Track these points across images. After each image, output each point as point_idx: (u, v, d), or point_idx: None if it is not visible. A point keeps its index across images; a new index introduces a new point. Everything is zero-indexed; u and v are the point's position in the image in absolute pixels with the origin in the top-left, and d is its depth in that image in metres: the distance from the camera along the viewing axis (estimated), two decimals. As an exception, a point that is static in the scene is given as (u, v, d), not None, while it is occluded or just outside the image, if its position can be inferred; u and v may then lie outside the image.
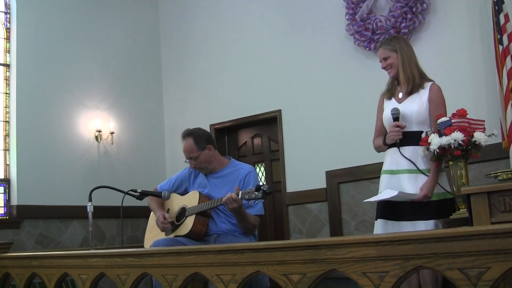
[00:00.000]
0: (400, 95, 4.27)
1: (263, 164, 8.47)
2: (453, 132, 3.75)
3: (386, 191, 4.07)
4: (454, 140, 3.72)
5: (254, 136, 8.63)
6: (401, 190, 4.01)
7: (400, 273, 2.26)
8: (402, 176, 4.11)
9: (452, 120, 3.86)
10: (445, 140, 3.74)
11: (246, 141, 8.69)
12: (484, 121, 3.97)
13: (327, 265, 2.46)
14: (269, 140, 8.42)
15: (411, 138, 4.11)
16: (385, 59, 4.28)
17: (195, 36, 9.04)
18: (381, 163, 4.40)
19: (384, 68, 4.32)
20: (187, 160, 4.66)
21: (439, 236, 2.17)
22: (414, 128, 4.13)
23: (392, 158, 4.20)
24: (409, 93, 4.20)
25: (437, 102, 4.14)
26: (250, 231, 4.49)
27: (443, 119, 3.92)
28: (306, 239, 2.62)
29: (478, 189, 3.36)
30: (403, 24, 6.67)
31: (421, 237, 2.22)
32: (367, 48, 7.05)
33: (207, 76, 8.84)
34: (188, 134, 4.63)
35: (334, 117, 7.39)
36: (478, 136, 3.77)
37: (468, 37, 6.46)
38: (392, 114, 4.16)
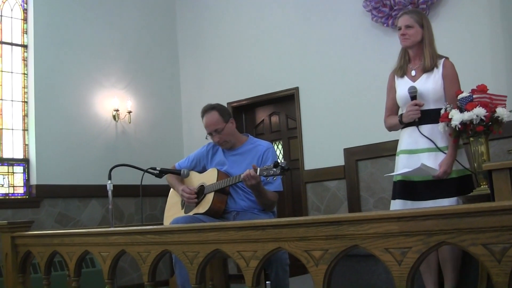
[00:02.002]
0: (413, 72, 4.22)
1: (281, 142, 8.46)
2: (475, 107, 3.72)
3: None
4: (477, 116, 3.69)
5: (271, 114, 8.61)
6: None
7: (423, 249, 2.25)
8: (422, 155, 4.06)
9: (474, 96, 3.82)
10: (467, 115, 3.71)
11: (263, 119, 8.68)
12: (506, 96, 3.93)
13: (349, 241, 2.45)
14: (286, 117, 8.40)
15: (428, 116, 4.06)
16: (408, 26, 4.18)
17: (211, 14, 9.01)
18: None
19: (402, 35, 4.24)
20: (209, 136, 4.64)
21: (463, 211, 2.15)
22: (431, 106, 4.08)
23: (410, 137, 4.15)
24: (425, 69, 4.15)
25: (451, 79, 4.09)
26: (269, 208, 4.49)
27: (464, 94, 3.88)
28: (328, 215, 2.60)
29: (500, 165, 3.33)
30: (421, 0, 6.59)
31: (444, 212, 2.20)
32: (385, 25, 6.99)
33: (223, 54, 8.82)
34: (212, 107, 4.64)
35: (352, 94, 7.35)
36: (501, 112, 3.73)
37: (488, 12, 6.37)
38: (409, 93, 4.11)
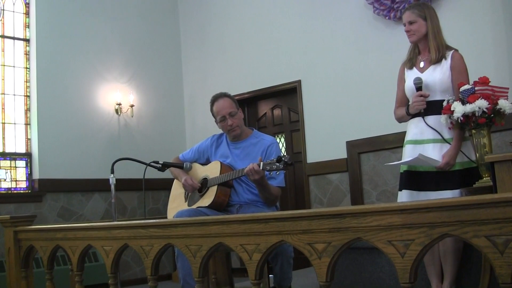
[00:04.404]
0: (422, 64, 4.21)
1: (283, 135, 8.46)
2: (477, 99, 3.71)
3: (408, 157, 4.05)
4: (479, 108, 3.69)
5: (274, 107, 8.60)
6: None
7: (426, 241, 2.25)
8: (427, 146, 4.06)
9: (476, 88, 3.82)
10: (469, 107, 3.70)
11: (266, 112, 8.68)
12: (508, 88, 3.92)
13: (352, 233, 2.45)
14: (289, 110, 8.39)
15: (435, 107, 4.05)
16: (410, 22, 4.19)
17: (214, 7, 9.01)
18: (402, 133, 4.36)
19: (407, 31, 4.25)
20: (220, 123, 4.61)
21: (465, 203, 2.14)
22: (438, 97, 4.07)
23: (416, 128, 4.15)
24: (432, 62, 4.14)
25: (459, 70, 4.07)
26: (272, 203, 4.48)
27: (466, 86, 3.87)
28: (330, 208, 2.60)
29: (503, 157, 3.32)
30: (424, -8, 6.58)
31: (446, 204, 2.19)
32: (387, 17, 6.97)
33: (226, 47, 8.81)
34: (224, 94, 4.70)
35: (354, 87, 7.34)
36: (503, 104, 3.73)
37: (490, 3, 6.36)
38: (415, 83, 4.11)
